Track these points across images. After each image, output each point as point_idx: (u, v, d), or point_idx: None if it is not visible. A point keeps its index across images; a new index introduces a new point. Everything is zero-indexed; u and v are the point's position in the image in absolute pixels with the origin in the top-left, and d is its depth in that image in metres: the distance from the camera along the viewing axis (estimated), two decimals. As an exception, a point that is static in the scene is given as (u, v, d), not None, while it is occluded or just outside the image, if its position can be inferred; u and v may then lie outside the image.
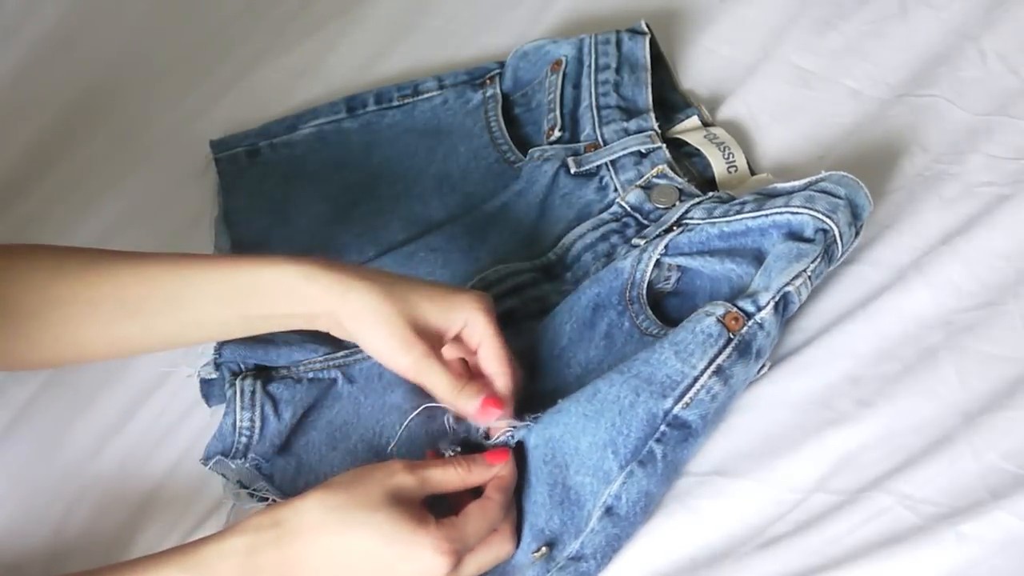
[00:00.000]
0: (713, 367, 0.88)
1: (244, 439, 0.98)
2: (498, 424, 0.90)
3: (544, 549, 0.88)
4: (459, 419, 0.93)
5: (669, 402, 0.87)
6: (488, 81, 1.15)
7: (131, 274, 0.91)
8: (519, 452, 0.91)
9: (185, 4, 1.28)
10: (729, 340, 0.89)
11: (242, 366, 1.01)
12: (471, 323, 0.91)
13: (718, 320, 0.89)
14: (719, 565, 0.88)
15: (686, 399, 0.88)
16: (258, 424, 0.98)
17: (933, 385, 0.92)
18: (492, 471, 0.88)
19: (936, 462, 0.88)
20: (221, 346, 1.01)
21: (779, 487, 0.90)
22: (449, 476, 0.87)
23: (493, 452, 0.89)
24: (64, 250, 0.93)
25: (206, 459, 0.98)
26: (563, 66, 1.11)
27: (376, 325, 0.88)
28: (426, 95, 1.16)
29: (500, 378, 0.91)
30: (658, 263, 0.97)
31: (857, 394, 0.93)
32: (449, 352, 0.93)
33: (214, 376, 1.02)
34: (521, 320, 1.00)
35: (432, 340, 0.89)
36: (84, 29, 1.26)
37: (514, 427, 0.90)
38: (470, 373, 0.93)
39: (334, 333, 0.91)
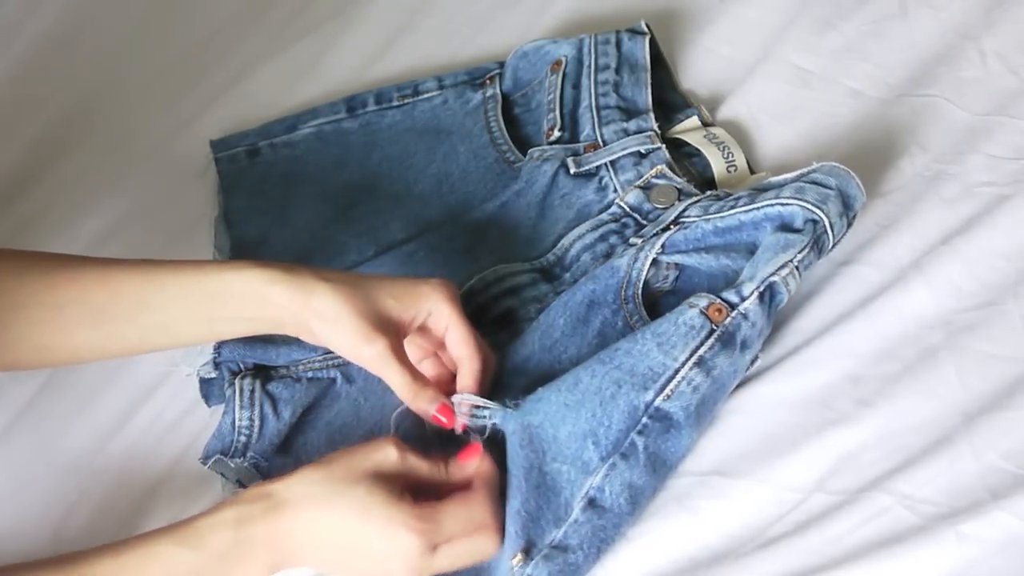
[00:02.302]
0: (695, 359, 0.88)
1: (243, 438, 0.98)
2: (467, 408, 0.91)
3: (520, 556, 0.87)
4: None
5: (650, 394, 0.87)
6: (488, 81, 1.15)
7: (97, 278, 0.91)
8: (497, 438, 0.91)
9: (185, 4, 1.28)
10: (712, 331, 0.89)
11: (241, 365, 1.01)
12: (435, 312, 0.92)
13: (701, 312, 0.89)
14: (719, 565, 0.87)
15: (667, 391, 0.87)
16: (257, 423, 0.99)
17: (933, 385, 0.92)
18: (468, 470, 0.88)
19: (936, 462, 0.88)
20: (220, 345, 1.01)
21: (779, 487, 0.90)
22: (431, 470, 0.87)
23: (464, 451, 0.89)
24: (30, 254, 0.93)
25: (205, 458, 0.98)
26: (563, 66, 1.11)
27: (339, 321, 0.89)
28: (426, 95, 1.16)
29: (469, 361, 0.92)
30: (655, 262, 0.97)
31: (857, 394, 0.92)
32: (417, 352, 0.94)
33: (213, 375, 1.02)
34: (519, 321, 1.00)
35: (397, 334, 0.91)
36: (83, 29, 1.26)
37: (484, 407, 0.90)
38: (445, 384, 0.94)
39: (303, 338, 0.92)
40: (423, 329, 0.93)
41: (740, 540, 0.88)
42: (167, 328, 0.91)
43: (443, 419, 0.91)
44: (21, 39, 1.26)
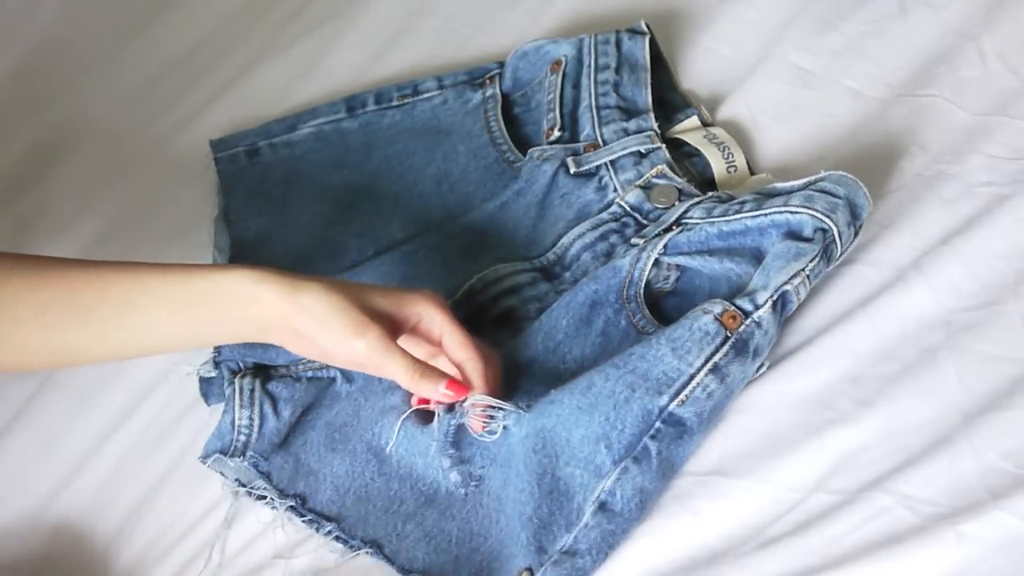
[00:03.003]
0: (710, 365, 0.88)
1: (243, 437, 0.98)
2: (482, 409, 0.90)
3: (526, 574, 0.87)
4: (450, 408, 0.92)
5: (665, 399, 0.88)
6: (488, 81, 1.15)
7: (82, 278, 0.89)
8: (507, 441, 0.90)
9: (185, 4, 1.28)
10: (726, 339, 0.89)
11: (241, 364, 1.01)
12: (426, 318, 0.91)
13: (715, 318, 0.89)
14: (718, 565, 0.87)
15: (682, 396, 0.88)
16: (257, 422, 0.98)
17: (933, 385, 0.92)
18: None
19: (936, 462, 0.88)
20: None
21: (779, 487, 0.90)
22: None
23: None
24: (15, 255, 0.91)
25: (205, 457, 0.98)
26: (563, 66, 1.11)
27: (330, 317, 0.87)
28: (426, 95, 1.16)
29: (471, 362, 0.91)
30: (657, 262, 0.97)
31: (857, 394, 0.92)
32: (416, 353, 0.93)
33: (213, 374, 1.02)
34: (519, 320, 1.00)
35: (390, 327, 0.89)
36: (84, 29, 1.27)
37: (498, 408, 0.90)
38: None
39: (288, 345, 0.90)
40: (415, 333, 0.92)
41: (740, 540, 0.88)
42: (152, 330, 0.89)
43: (452, 393, 0.89)
44: (21, 39, 1.26)
